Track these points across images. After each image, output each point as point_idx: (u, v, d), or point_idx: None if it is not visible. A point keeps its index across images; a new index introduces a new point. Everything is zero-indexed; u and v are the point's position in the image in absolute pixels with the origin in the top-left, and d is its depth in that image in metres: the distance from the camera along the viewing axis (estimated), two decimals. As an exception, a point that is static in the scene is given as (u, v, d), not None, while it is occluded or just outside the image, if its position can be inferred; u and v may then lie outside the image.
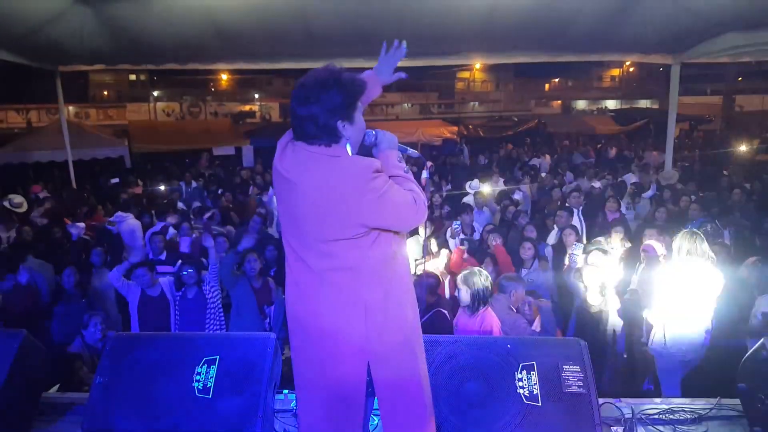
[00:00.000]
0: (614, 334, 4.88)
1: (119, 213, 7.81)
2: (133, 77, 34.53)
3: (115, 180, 12.62)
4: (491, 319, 4.05)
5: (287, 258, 2.23)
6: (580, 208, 7.66)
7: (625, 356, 5.04)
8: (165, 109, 27.16)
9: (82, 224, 7.70)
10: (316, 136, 2.05)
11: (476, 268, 4.29)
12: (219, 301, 5.40)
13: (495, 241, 6.02)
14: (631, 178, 10.75)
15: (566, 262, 5.73)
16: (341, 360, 2.15)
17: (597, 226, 7.37)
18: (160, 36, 7.77)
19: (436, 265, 5.73)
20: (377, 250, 2.10)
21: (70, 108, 21.98)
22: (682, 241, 4.32)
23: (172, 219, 7.59)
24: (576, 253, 5.45)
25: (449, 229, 7.15)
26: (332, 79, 2.04)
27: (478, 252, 6.33)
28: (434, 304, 4.59)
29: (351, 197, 1.98)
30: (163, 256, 6.23)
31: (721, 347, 4.38)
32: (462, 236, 6.76)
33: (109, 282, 5.85)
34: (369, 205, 1.99)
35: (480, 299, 4.06)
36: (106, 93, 34.17)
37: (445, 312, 4.53)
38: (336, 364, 2.15)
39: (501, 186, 10.08)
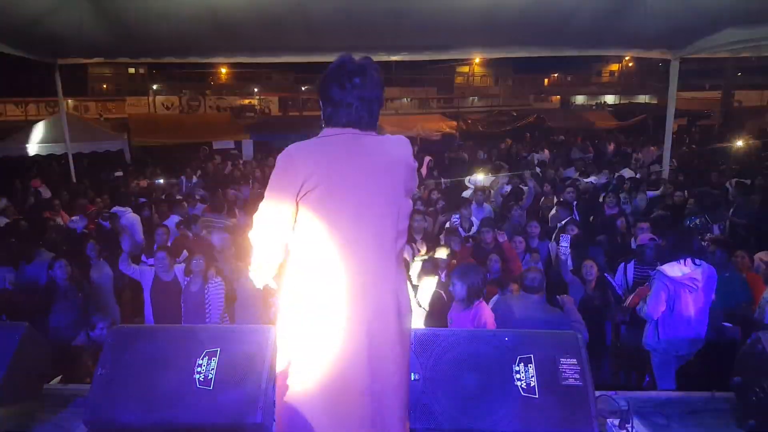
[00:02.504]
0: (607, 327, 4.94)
1: (117, 207, 7.83)
2: (132, 71, 34.49)
3: (119, 173, 12.66)
4: (485, 312, 4.08)
5: (309, 269, 2.08)
6: (575, 203, 7.68)
7: (620, 350, 5.09)
8: (164, 102, 27.07)
9: (83, 218, 7.73)
10: (370, 122, 2.07)
11: (470, 264, 4.34)
12: (221, 297, 5.42)
13: (502, 238, 5.98)
14: (627, 174, 10.77)
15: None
16: (382, 355, 2.08)
17: (595, 222, 7.40)
18: (159, 29, 7.76)
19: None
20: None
21: (69, 101, 21.90)
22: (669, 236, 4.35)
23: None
24: (564, 245, 5.47)
25: (447, 222, 7.18)
26: (377, 68, 2.09)
27: (475, 249, 6.34)
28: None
29: (407, 167, 2.11)
30: None
31: (715, 341, 4.42)
32: (463, 233, 6.77)
33: (108, 274, 5.89)
34: (415, 174, 2.15)
35: (475, 293, 4.09)
36: (105, 86, 34.11)
37: (442, 292, 4.67)
38: (377, 360, 2.07)
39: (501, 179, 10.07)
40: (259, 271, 2.19)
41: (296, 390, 2.07)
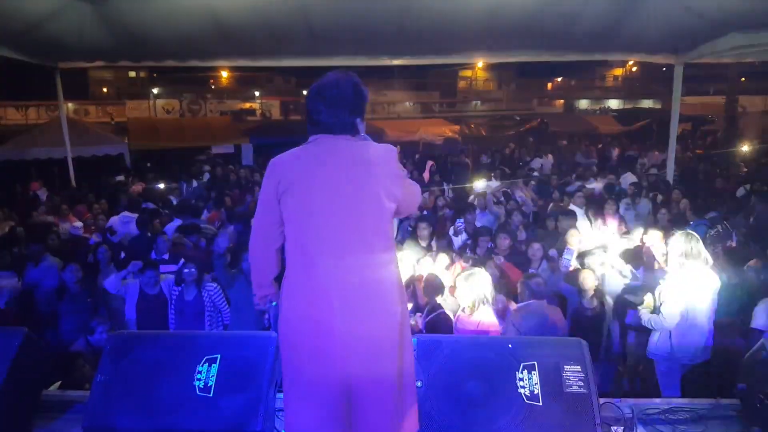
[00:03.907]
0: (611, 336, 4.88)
1: (125, 213, 7.80)
2: (132, 74, 34.50)
3: (120, 177, 12.66)
4: (490, 318, 4.07)
5: (297, 258, 2.19)
6: (584, 209, 7.65)
7: (624, 358, 5.04)
8: (165, 106, 27.12)
9: (80, 223, 7.73)
10: (343, 127, 2.18)
11: (476, 269, 4.30)
12: (222, 305, 5.39)
13: (500, 260, 5.84)
14: (630, 178, 10.75)
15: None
16: (375, 358, 2.16)
17: (597, 227, 7.36)
18: (160, 33, 7.76)
19: (434, 270, 5.63)
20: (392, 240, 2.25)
21: (70, 105, 21.92)
22: (677, 243, 4.27)
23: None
24: (567, 257, 5.44)
25: (452, 227, 7.16)
26: (355, 81, 2.21)
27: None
28: (438, 306, 4.58)
29: (385, 170, 2.18)
30: (166, 255, 6.25)
31: (720, 348, 4.38)
32: (464, 237, 6.73)
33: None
34: (398, 180, 2.21)
35: (480, 299, 4.07)
36: (105, 90, 34.14)
37: (449, 314, 4.51)
38: (370, 361, 2.14)
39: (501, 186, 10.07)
40: (258, 290, 2.41)
41: (289, 386, 2.22)
